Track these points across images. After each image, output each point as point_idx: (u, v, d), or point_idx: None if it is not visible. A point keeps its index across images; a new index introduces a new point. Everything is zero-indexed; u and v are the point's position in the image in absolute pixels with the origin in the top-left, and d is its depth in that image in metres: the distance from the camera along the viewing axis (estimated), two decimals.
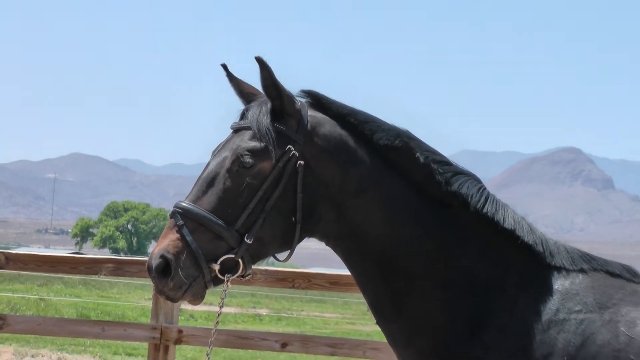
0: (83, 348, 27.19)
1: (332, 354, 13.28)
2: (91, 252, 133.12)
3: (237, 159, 5.46)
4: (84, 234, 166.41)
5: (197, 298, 5.47)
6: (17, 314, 32.26)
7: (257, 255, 5.61)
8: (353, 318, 50.10)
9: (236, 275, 5.48)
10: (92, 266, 12.69)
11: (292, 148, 5.50)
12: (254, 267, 5.68)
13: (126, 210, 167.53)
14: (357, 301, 52.78)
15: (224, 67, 5.86)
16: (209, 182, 5.53)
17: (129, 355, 25.77)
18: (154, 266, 5.27)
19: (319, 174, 5.60)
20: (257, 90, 5.74)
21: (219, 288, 5.51)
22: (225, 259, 5.40)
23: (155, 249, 5.37)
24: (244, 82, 5.86)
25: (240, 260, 5.44)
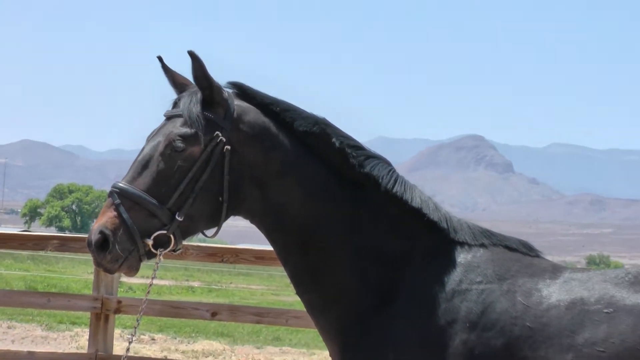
0: (31, 317, 26.79)
1: (258, 322, 13.67)
2: (39, 230, 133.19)
3: (170, 144, 5.47)
4: (32, 213, 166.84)
5: (133, 270, 5.48)
6: None
7: (187, 231, 5.64)
8: (277, 290, 50.27)
9: (168, 249, 5.51)
10: (39, 242, 12.79)
11: (220, 134, 5.53)
12: (185, 243, 5.71)
13: (71, 192, 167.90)
14: (281, 274, 53.02)
15: (160, 59, 5.86)
16: (144, 165, 5.54)
17: (73, 324, 25.23)
18: (93, 241, 5.28)
19: (244, 158, 5.63)
20: (189, 81, 5.76)
21: (153, 261, 5.55)
22: (158, 234, 5.42)
23: (95, 225, 5.41)
24: (177, 74, 5.87)
25: (171, 235, 5.47)
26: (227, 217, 5.71)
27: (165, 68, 5.88)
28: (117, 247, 5.34)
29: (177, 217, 5.46)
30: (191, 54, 5.53)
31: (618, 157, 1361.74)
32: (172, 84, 5.87)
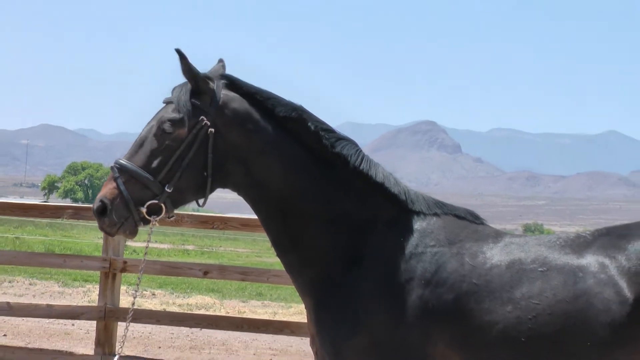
0: (49, 276, 26.81)
1: (243, 280, 13.46)
2: (56, 201, 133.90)
3: (160, 126, 5.55)
4: (50, 187, 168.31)
5: (131, 234, 5.59)
6: None
7: (177, 201, 5.70)
8: (260, 252, 50.15)
9: (160, 216, 5.60)
10: (56, 212, 12.76)
11: (205, 119, 5.57)
12: (180, 212, 5.56)
13: (84, 169, 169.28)
14: (263, 239, 53.00)
15: (177, 51, 5.78)
16: (140, 144, 5.63)
17: (85, 281, 25.36)
18: (94, 208, 5.44)
19: (228, 139, 5.66)
20: (194, 70, 5.78)
21: (148, 227, 5.64)
22: (151, 203, 5.51)
23: (98, 195, 5.55)
24: (190, 67, 5.78)
25: (162, 205, 5.55)
26: (213, 190, 5.76)
27: (185, 63, 5.74)
28: (113, 214, 5.44)
29: (166, 189, 5.52)
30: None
31: (551, 139, 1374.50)
32: (187, 73, 5.77)
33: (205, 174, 5.61)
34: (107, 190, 5.49)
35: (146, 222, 5.56)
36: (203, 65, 5.76)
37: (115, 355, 5.30)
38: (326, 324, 5.79)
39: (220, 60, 6.02)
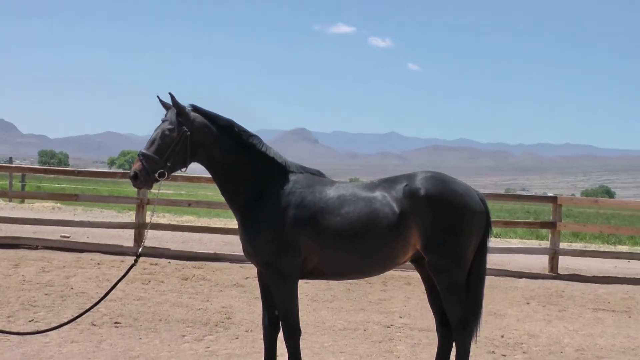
0: (111, 207, 33.61)
1: (209, 207, 21.54)
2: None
3: (163, 132, 6.89)
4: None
5: (149, 187, 6.93)
6: None
7: (172, 169, 6.95)
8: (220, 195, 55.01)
9: (165, 178, 6.93)
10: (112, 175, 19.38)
11: (185, 128, 6.90)
12: (175, 174, 7.25)
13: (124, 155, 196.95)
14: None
15: (158, 97, 7.18)
16: (152, 141, 6.90)
17: (130, 210, 32.06)
18: (130, 175, 6.82)
19: (195, 137, 6.95)
20: (170, 105, 7.08)
21: (158, 184, 6.98)
22: (159, 172, 6.84)
23: (132, 168, 6.89)
24: (166, 103, 7.12)
25: (165, 172, 6.86)
26: (190, 163, 7.07)
27: (162, 103, 7.14)
28: (141, 178, 6.83)
29: (167, 164, 6.86)
30: (170, 95, 6.90)
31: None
32: (164, 107, 7.13)
33: (186, 155, 6.93)
34: (136, 166, 6.83)
35: (157, 181, 6.89)
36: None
37: (142, 246, 7.85)
38: (246, 230, 7.07)
39: (169, 94, 6.93)
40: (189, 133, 6.93)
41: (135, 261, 7.61)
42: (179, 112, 6.99)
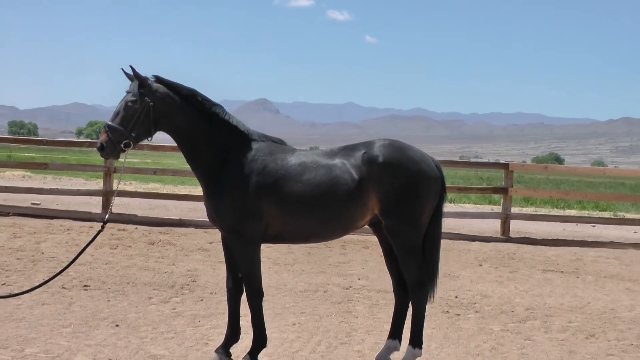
0: (79, 175, 33.87)
1: (174, 175, 20.09)
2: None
3: (127, 103, 6.85)
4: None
5: (115, 157, 6.91)
6: None
7: (137, 139, 6.91)
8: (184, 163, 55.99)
9: (130, 148, 6.90)
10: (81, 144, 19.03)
11: (147, 99, 6.85)
12: (141, 144, 7.15)
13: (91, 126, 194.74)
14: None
15: (123, 70, 7.08)
16: (117, 113, 6.88)
17: (97, 178, 32.67)
18: (97, 146, 6.83)
19: (158, 108, 6.90)
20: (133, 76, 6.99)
21: (124, 154, 6.95)
22: (125, 142, 6.82)
23: (98, 139, 6.93)
24: (130, 75, 7.02)
25: (131, 142, 6.84)
26: (154, 133, 7.02)
27: (126, 74, 7.07)
28: (107, 149, 6.83)
29: (132, 134, 6.83)
30: (132, 68, 6.88)
31: None
32: (128, 78, 7.06)
33: (149, 125, 6.91)
34: (102, 137, 6.83)
35: (122, 151, 6.87)
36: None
37: (109, 213, 7.79)
38: (210, 196, 7.07)
39: (130, 67, 6.88)
40: (151, 104, 6.87)
41: (102, 227, 7.54)
42: (141, 84, 6.91)
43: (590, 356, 8.33)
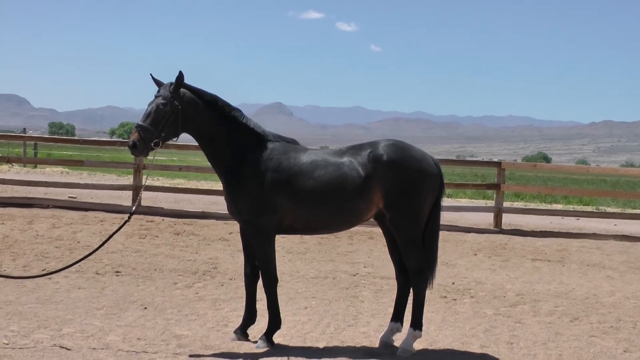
0: (112, 171, 33.23)
1: (197, 171, 19.89)
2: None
3: (158, 106, 6.77)
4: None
5: (146, 155, 6.91)
6: None
7: (166, 139, 6.86)
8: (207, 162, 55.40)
9: (160, 146, 6.83)
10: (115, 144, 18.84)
11: (177, 103, 6.79)
12: (167, 143, 7.15)
13: (123, 126, 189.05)
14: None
15: (151, 75, 7.04)
16: (148, 114, 6.79)
17: (128, 174, 30.88)
18: (130, 144, 6.72)
19: (186, 112, 6.83)
20: (162, 82, 6.98)
21: (154, 151, 6.89)
22: (155, 141, 6.75)
23: (130, 138, 6.81)
24: (159, 81, 6.98)
25: (160, 141, 6.79)
26: (180, 134, 6.96)
27: (155, 80, 7.01)
28: (139, 147, 6.75)
29: (161, 134, 6.77)
30: (180, 72, 6.82)
31: None
32: (156, 84, 6.99)
33: (177, 126, 6.85)
34: (134, 136, 6.74)
35: (152, 149, 6.80)
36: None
37: (135, 205, 7.94)
38: (230, 191, 6.98)
39: (180, 72, 6.77)
40: (180, 107, 6.82)
41: (129, 217, 7.52)
42: (173, 89, 6.88)
43: (574, 337, 8.25)
